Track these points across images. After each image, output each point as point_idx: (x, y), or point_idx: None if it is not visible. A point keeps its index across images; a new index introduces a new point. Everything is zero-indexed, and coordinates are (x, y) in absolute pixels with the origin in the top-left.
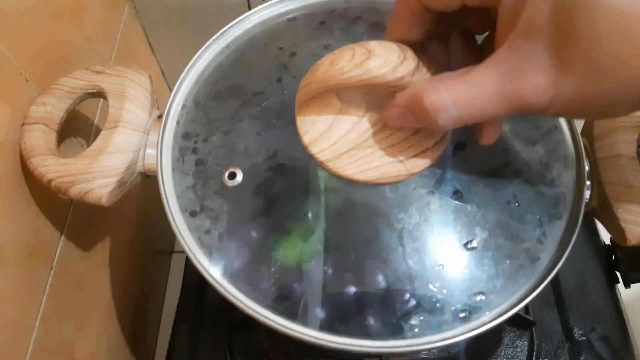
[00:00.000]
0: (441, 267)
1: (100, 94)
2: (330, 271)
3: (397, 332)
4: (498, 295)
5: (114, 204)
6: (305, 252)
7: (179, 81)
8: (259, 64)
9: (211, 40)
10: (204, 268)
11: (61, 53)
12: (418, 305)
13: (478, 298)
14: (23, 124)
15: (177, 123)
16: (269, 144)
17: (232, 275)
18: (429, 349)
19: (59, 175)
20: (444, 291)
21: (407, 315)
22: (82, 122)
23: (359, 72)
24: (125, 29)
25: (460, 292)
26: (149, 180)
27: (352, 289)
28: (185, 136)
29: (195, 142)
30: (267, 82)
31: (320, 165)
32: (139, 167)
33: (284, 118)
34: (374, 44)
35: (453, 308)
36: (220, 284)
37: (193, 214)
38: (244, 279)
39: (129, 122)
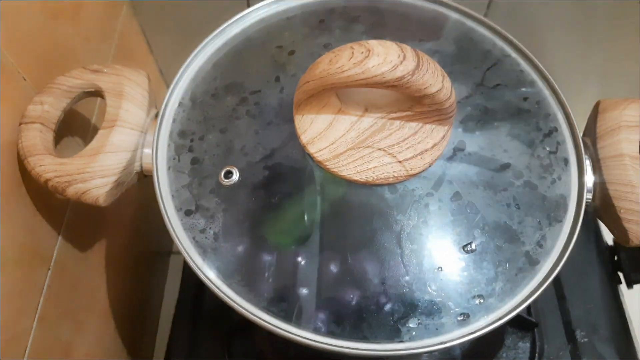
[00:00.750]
0: (439, 269)
1: (97, 93)
2: (326, 273)
3: (394, 334)
4: (497, 299)
5: (111, 204)
6: (301, 253)
7: (175, 79)
8: (257, 62)
9: (209, 38)
10: (198, 267)
11: (59, 52)
12: (416, 307)
13: (477, 301)
14: (20, 124)
15: (174, 121)
16: (266, 143)
17: (227, 276)
18: (427, 352)
19: (56, 175)
20: (442, 294)
21: (405, 318)
22: (80, 121)
23: (358, 71)
24: (123, 27)
25: (458, 295)
26: (146, 180)
27: (348, 291)
28: (182, 134)
29: (192, 140)
30: (265, 81)
31: (318, 165)
32: (137, 166)
33: (282, 117)
34: (373, 43)
35: (451, 311)
36: (214, 284)
37: (188, 213)
38: (239, 279)
39: (126, 122)
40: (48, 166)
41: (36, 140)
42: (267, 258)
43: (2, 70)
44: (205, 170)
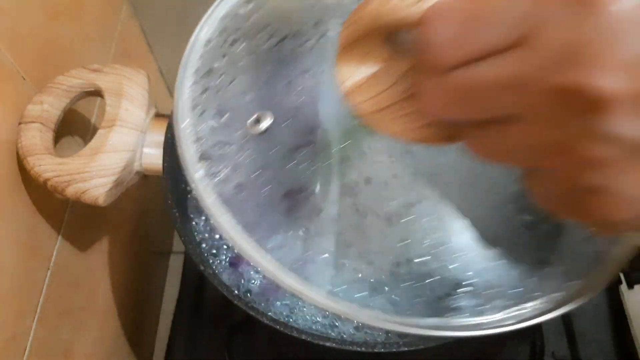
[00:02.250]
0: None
1: (97, 93)
2: (348, 237)
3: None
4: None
5: (111, 204)
6: (325, 213)
7: (205, 16)
8: (295, 5)
9: None
10: (212, 212)
11: (58, 51)
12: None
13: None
14: (20, 123)
15: (201, 58)
16: (300, 91)
17: (246, 227)
18: (437, 338)
19: (56, 174)
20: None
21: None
22: (80, 121)
23: (413, 12)
24: (123, 27)
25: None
26: (146, 180)
27: (368, 259)
28: (209, 74)
29: (220, 82)
30: (302, 24)
31: (359, 118)
32: (136, 166)
33: (320, 64)
34: None
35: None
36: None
37: (210, 159)
38: (258, 231)
39: (126, 121)
40: (47, 166)
41: (36, 139)
42: (288, 214)
43: (2, 70)
44: (232, 115)
